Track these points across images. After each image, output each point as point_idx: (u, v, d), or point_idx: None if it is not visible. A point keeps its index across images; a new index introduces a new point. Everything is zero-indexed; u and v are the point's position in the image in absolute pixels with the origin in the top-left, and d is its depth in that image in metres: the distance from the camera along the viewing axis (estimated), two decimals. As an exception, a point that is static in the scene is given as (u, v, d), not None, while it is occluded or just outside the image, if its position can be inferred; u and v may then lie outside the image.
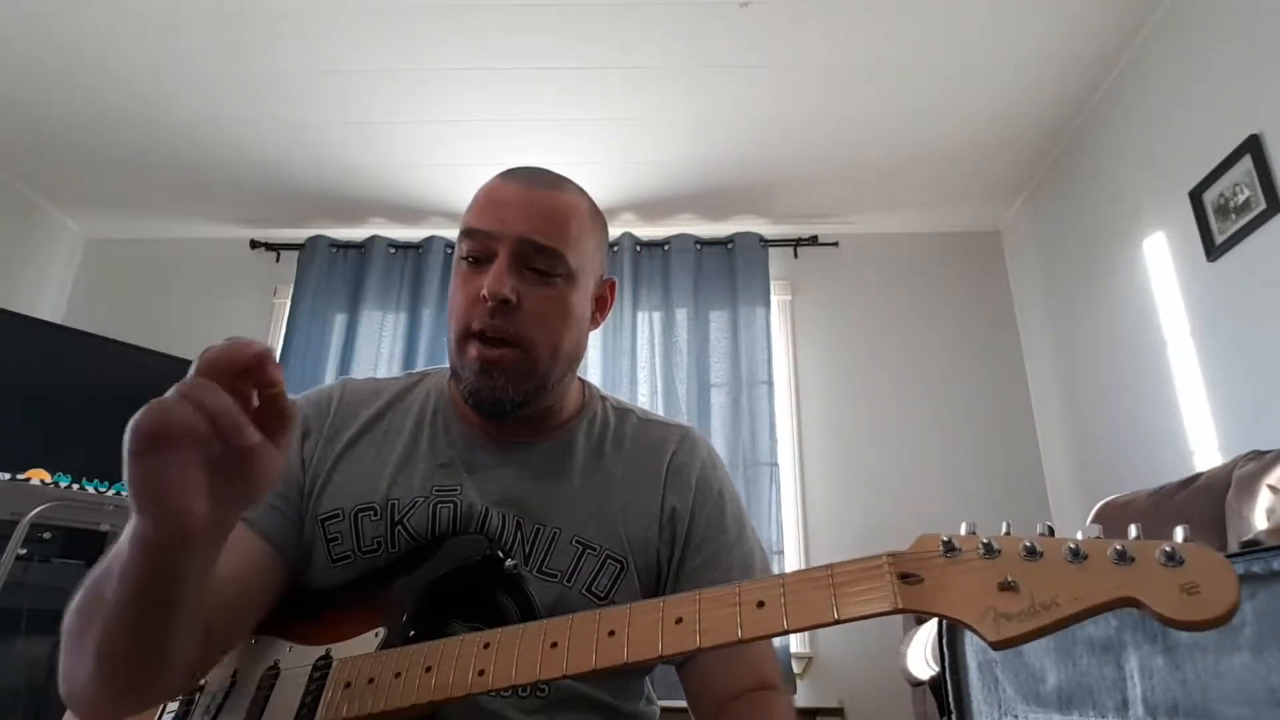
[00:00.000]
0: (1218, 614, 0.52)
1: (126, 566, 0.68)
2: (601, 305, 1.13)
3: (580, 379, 1.16)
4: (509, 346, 0.97)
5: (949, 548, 0.64)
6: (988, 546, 0.62)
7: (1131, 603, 0.55)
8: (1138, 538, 0.58)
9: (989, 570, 0.61)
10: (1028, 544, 0.60)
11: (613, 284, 1.15)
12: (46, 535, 3.22)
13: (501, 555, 0.96)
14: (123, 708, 0.83)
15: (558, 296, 1.01)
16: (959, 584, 0.62)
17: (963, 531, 0.65)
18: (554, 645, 0.75)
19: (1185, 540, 0.55)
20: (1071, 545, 0.59)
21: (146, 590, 0.70)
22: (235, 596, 0.93)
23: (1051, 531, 0.61)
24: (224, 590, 0.92)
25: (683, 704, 1.02)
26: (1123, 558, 0.57)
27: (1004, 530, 0.63)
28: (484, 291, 0.95)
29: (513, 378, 0.98)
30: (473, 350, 0.98)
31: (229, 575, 0.93)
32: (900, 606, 0.62)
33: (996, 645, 0.57)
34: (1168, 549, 0.55)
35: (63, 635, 0.77)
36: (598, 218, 1.10)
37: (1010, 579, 0.59)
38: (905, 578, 0.64)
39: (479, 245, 0.99)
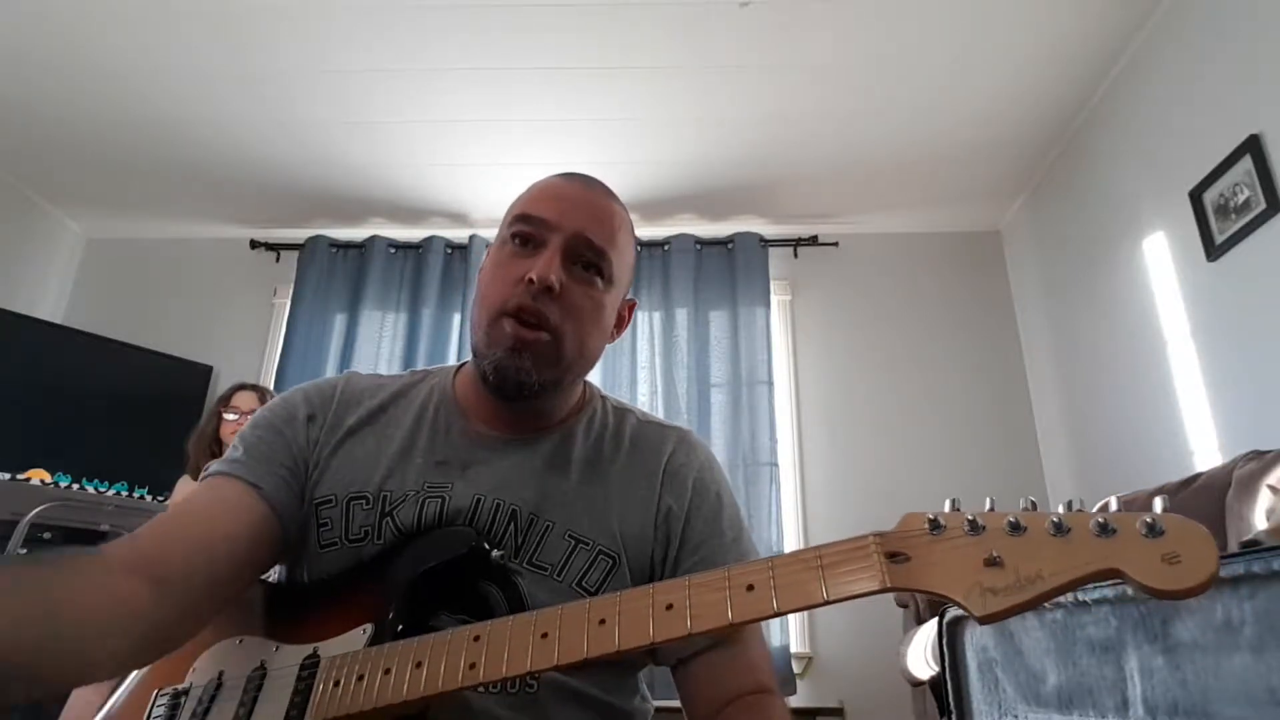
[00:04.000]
0: (1197, 582, 0.52)
1: None
2: (620, 322, 1.15)
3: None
4: (543, 331, 0.99)
5: (934, 525, 0.64)
6: (972, 523, 0.63)
7: (1114, 574, 0.55)
8: (1119, 510, 0.58)
9: (974, 546, 0.61)
10: (1011, 519, 0.61)
11: (633, 305, 1.18)
12: (46, 535, 3.22)
13: (488, 547, 0.96)
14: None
15: (595, 296, 1.04)
16: (945, 561, 0.62)
17: (947, 508, 0.65)
18: (544, 636, 0.75)
19: (1165, 511, 0.56)
20: (1054, 519, 0.59)
21: None
22: (223, 548, 0.94)
23: (1035, 506, 0.62)
24: (212, 543, 0.93)
25: (678, 704, 1.02)
26: (1104, 530, 0.57)
27: (988, 506, 0.64)
28: (532, 274, 0.97)
29: (539, 362, 1.00)
30: (507, 327, 0.99)
31: (235, 535, 0.94)
32: (888, 585, 0.63)
33: (983, 620, 0.57)
34: (1148, 520, 0.56)
35: None
36: (633, 232, 1.14)
37: (995, 554, 0.60)
38: (892, 556, 0.64)
39: (533, 231, 1.02)
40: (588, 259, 1.02)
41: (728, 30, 3.13)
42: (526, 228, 1.02)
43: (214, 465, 1.03)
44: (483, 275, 1.08)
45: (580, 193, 1.06)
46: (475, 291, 1.09)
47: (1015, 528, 0.60)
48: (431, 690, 0.77)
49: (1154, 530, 0.55)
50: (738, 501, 1.15)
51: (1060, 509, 0.60)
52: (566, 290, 0.99)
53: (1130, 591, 1.30)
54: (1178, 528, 0.55)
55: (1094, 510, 0.59)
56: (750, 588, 0.70)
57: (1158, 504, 0.56)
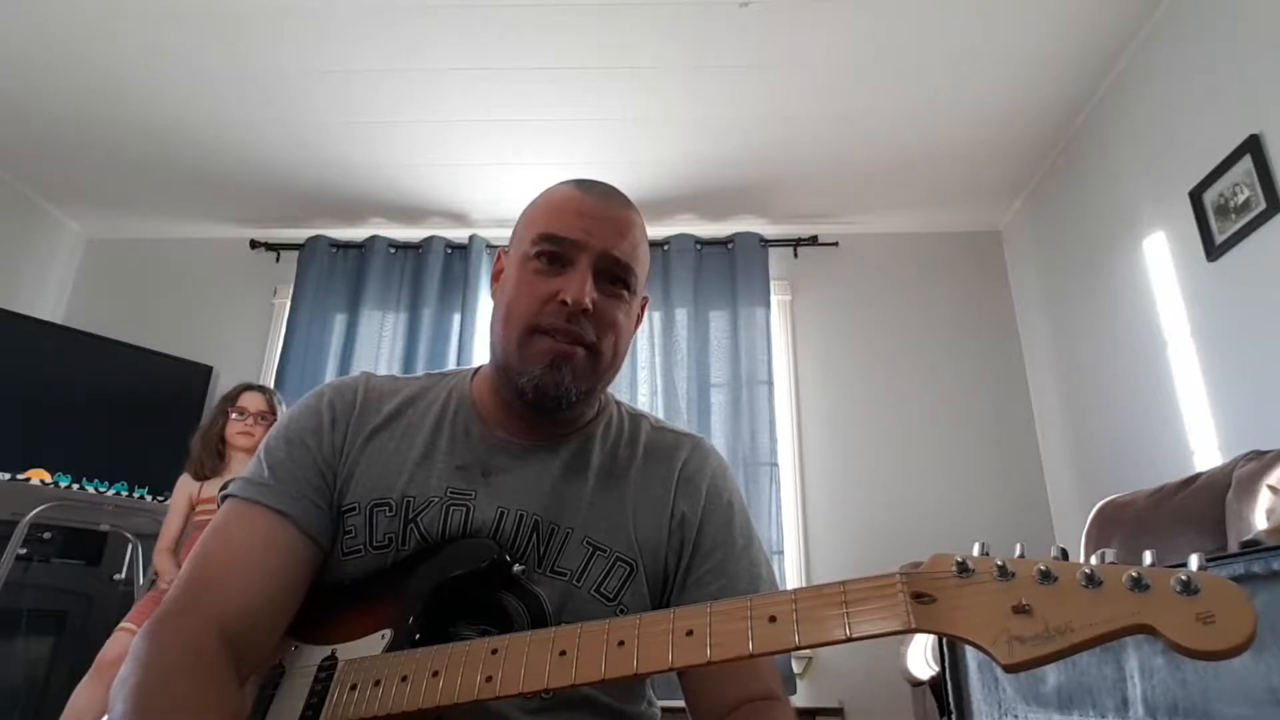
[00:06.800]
0: (1233, 644, 0.52)
1: None
2: (637, 321, 1.16)
3: None
4: (580, 346, 1.01)
5: (963, 568, 0.64)
6: (1002, 569, 0.62)
7: (1146, 630, 0.55)
8: (1153, 564, 0.58)
9: (1003, 593, 0.61)
10: (1042, 568, 0.61)
11: (646, 301, 1.19)
12: (46, 535, 3.22)
13: (509, 560, 0.97)
14: None
15: (623, 309, 1.06)
16: (972, 605, 0.62)
17: (976, 552, 0.65)
18: (563, 654, 0.76)
19: (1200, 569, 0.55)
20: (1087, 570, 0.59)
21: None
22: (280, 596, 0.95)
23: (1065, 554, 0.61)
24: (272, 594, 0.94)
25: (682, 704, 1.03)
26: (1138, 585, 0.57)
27: (1018, 552, 0.64)
28: (566, 296, 0.99)
29: (578, 375, 1.02)
30: (544, 344, 1.01)
31: (281, 581, 0.95)
32: (913, 626, 0.63)
33: (1009, 668, 0.57)
34: (1183, 578, 0.56)
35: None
36: (647, 236, 1.15)
37: (1024, 602, 0.60)
38: (918, 597, 0.64)
39: (559, 251, 1.03)
40: (615, 274, 1.04)
41: (728, 30, 3.12)
42: (553, 247, 1.03)
43: (237, 485, 1.02)
44: (503, 290, 1.08)
45: (601, 207, 1.06)
46: (497, 307, 1.09)
47: (1046, 576, 0.60)
48: (447, 701, 0.78)
49: (1189, 588, 0.55)
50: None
51: (1094, 560, 0.60)
52: (599, 306, 1.01)
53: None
54: (1214, 587, 0.55)
55: (1128, 564, 0.58)
56: (773, 619, 0.70)
57: (1194, 561, 0.55)
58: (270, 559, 0.96)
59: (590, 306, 0.99)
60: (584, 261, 1.02)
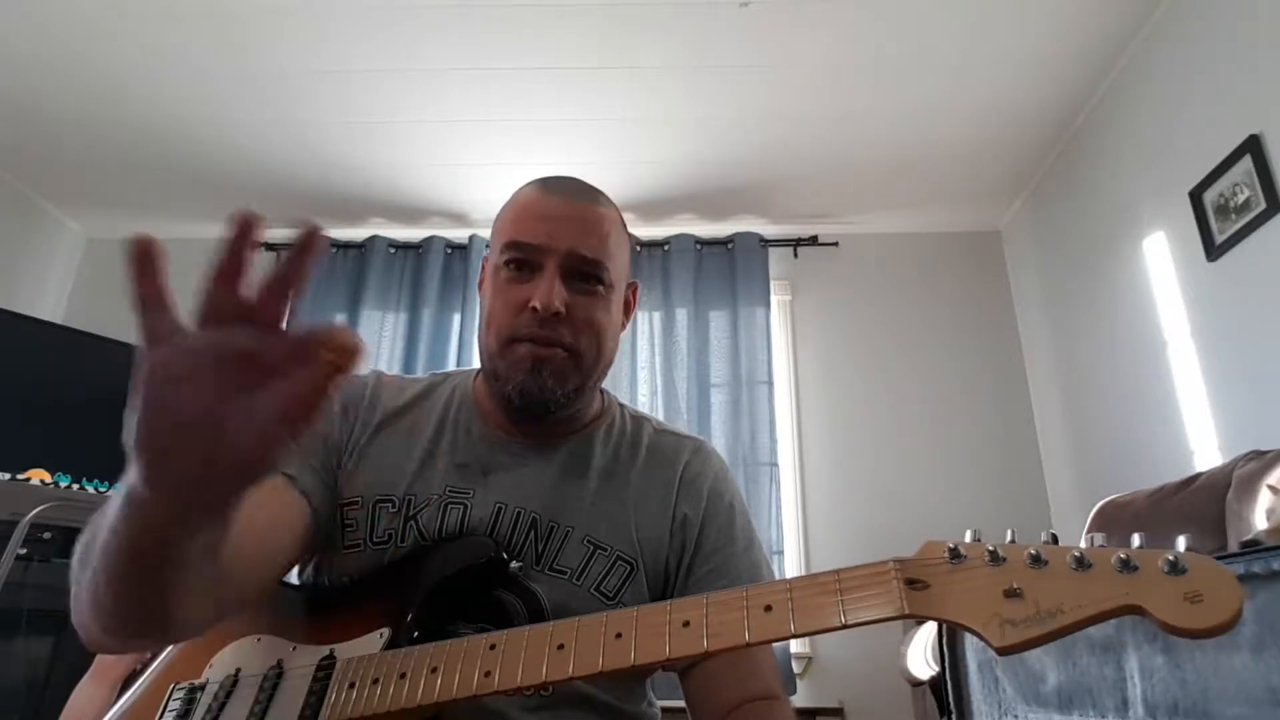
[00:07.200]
0: (1220, 622, 0.53)
1: (117, 527, 0.61)
2: (627, 309, 1.16)
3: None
4: (558, 348, 1.02)
5: (954, 554, 0.65)
6: (993, 554, 0.63)
7: (1135, 610, 0.56)
8: (1141, 547, 0.59)
9: (994, 577, 0.62)
10: (1033, 552, 0.61)
11: (636, 287, 1.19)
12: (46, 535, 3.22)
13: (507, 557, 0.97)
14: (127, 648, 0.86)
15: (600, 305, 1.06)
16: (965, 590, 0.63)
17: (968, 539, 0.66)
18: (560, 647, 0.76)
19: (1188, 550, 0.56)
20: (1076, 553, 0.59)
21: (138, 555, 0.63)
22: (268, 547, 0.90)
23: (1055, 540, 0.62)
24: (258, 539, 0.86)
25: (682, 704, 1.03)
26: (1126, 566, 0.58)
27: (1009, 538, 0.64)
28: (536, 303, 0.99)
29: (560, 377, 1.02)
30: (523, 350, 1.01)
31: (266, 524, 0.90)
32: (906, 611, 0.64)
33: (1002, 651, 0.58)
34: (1171, 558, 0.56)
35: (72, 563, 0.73)
36: (625, 225, 1.14)
37: (1015, 586, 0.60)
38: (911, 583, 0.65)
39: (525, 257, 1.03)
40: (585, 272, 1.04)
41: (728, 30, 3.12)
42: (519, 254, 1.03)
43: None
44: (483, 298, 1.09)
45: (565, 207, 1.06)
46: (480, 313, 1.10)
47: (1036, 560, 0.61)
48: (446, 697, 0.78)
49: (1176, 568, 0.56)
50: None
51: (1083, 543, 0.60)
52: (572, 308, 1.01)
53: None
54: (1201, 567, 0.55)
55: (1117, 546, 0.59)
56: (768, 608, 0.71)
57: (1181, 542, 0.56)
58: (255, 499, 0.90)
59: (562, 310, 1.00)
60: (550, 265, 1.02)
